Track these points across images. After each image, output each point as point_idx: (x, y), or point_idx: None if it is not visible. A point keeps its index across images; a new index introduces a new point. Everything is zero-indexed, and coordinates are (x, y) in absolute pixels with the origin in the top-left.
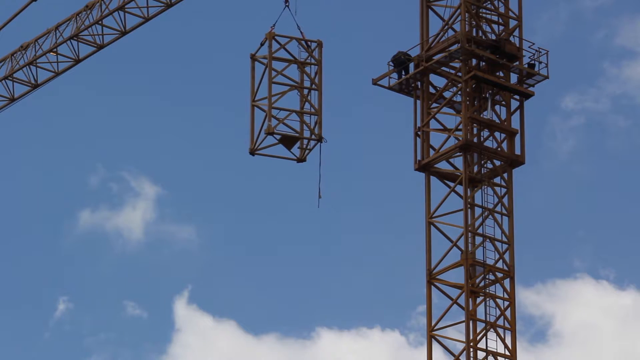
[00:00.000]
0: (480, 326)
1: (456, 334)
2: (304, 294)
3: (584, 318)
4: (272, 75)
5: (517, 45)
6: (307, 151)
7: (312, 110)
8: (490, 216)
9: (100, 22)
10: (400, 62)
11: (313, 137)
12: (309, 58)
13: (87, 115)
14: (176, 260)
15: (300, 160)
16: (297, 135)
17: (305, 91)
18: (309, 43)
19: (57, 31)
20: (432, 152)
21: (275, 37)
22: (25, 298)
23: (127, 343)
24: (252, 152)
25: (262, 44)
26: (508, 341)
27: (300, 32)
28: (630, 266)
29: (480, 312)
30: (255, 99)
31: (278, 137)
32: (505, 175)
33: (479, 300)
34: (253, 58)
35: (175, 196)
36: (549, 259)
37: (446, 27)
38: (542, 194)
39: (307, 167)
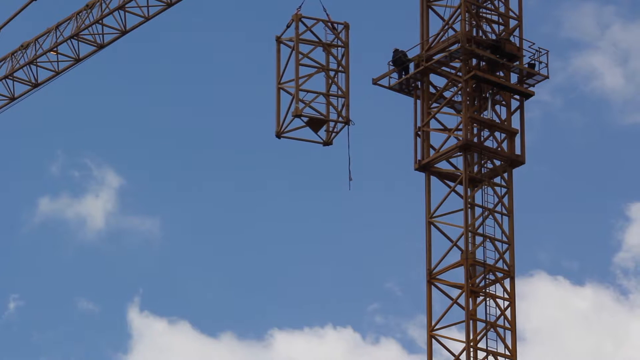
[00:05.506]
0: (480, 326)
1: (456, 334)
2: (260, 294)
3: (544, 316)
4: (298, 57)
5: (517, 45)
6: (333, 134)
7: (339, 92)
8: (490, 216)
9: (100, 21)
10: (400, 62)
11: (340, 119)
12: (335, 40)
13: (86, 111)
14: (135, 254)
15: (327, 143)
16: (324, 118)
17: (332, 74)
18: (335, 25)
19: (58, 30)
20: (432, 152)
21: (302, 19)
22: None
23: (79, 341)
24: (279, 135)
25: (288, 26)
26: (508, 341)
27: (326, 14)
28: (588, 262)
29: (481, 312)
30: (281, 81)
31: (305, 119)
32: (505, 175)
33: (479, 300)
34: (279, 40)
35: (141, 188)
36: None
37: (446, 27)
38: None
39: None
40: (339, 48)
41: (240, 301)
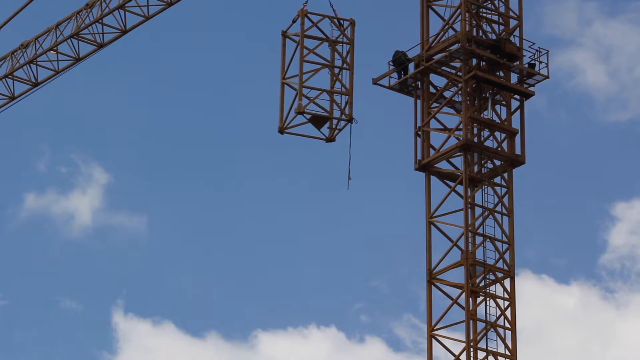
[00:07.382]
0: (480, 326)
1: (456, 334)
2: (245, 294)
3: (531, 315)
4: (303, 53)
5: (518, 45)
6: (336, 131)
7: (343, 90)
8: (490, 216)
9: (100, 20)
10: (400, 62)
11: (343, 117)
12: (341, 37)
13: (87, 110)
14: (121, 252)
15: (330, 140)
16: (327, 115)
17: (337, 70)
18: (341, 21)
19: (58, 30)
20: (432, 151)
21: (308, 14)
22: None
23: (62, 341)
24: (281, 131)
25: (293, 21)
26: (508, 341)
27: (333, 10)
28: (573, 262)
29: (481, 312)
30: (286, 76)
31: (308, 116)
32: (505, 175)
33: (479, 300)
34: (284, 35)
35: (129, 185)
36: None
37: (446, 26)
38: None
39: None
40: (344, 45)
41: (225, 301)
